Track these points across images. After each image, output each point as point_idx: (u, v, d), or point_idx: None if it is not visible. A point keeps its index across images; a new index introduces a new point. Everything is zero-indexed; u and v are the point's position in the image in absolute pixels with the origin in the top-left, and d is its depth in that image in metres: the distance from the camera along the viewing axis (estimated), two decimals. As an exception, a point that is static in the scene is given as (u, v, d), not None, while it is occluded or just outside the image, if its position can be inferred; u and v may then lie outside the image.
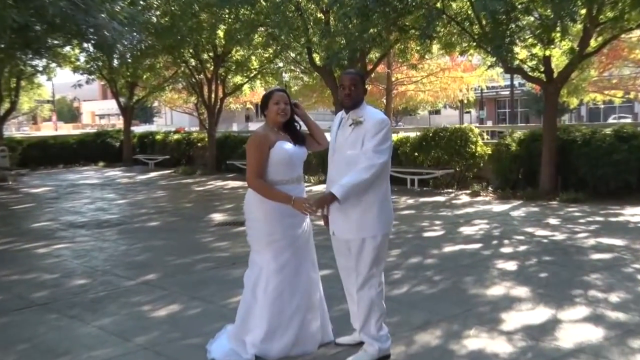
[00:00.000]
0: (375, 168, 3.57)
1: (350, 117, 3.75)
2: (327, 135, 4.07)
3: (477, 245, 7.20)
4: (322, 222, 4.02)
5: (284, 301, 3.79)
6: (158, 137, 22.20)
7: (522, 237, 7.62)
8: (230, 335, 3.98)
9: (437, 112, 57.66)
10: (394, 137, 14.73)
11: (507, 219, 9.02)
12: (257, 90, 22.74)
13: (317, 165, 13.83)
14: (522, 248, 7.02)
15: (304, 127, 4.05)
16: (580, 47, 10.84)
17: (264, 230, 3.82)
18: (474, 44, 11.79)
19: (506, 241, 7.43)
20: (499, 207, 10.18)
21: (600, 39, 11.21)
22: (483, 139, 13.74)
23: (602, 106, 35.01)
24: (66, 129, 48.74)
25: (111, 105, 49.69)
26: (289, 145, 3.82)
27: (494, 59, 11.33)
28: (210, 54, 18.48)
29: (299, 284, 3.84)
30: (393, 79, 23.91)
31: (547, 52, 11.03)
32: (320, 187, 12.39)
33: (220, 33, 16.99)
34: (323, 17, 13.70)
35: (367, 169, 3.56)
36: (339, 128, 3.81)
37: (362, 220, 3.68)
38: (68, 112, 75.10)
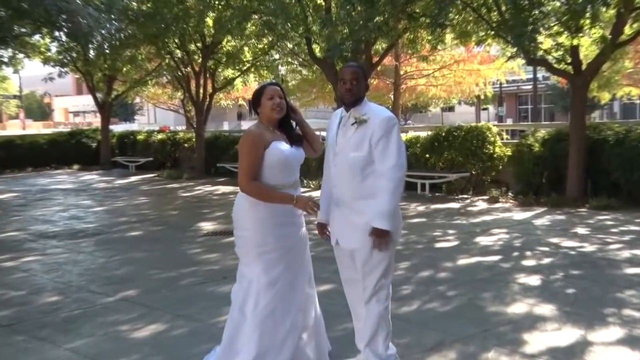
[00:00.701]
0: (402, 179, 3.67)
1: (352, 115, 3.75)
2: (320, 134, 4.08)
3: (496, 258, 7.18)
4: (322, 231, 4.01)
5: (276, 320, 3.77)
6: (140, 137, 22.21)
7: (546, 249, 7.60)
8: (217, 358, 3.95)
9: (451, 109, 57.71)
10: (402, 137, 14.69)
11: (530, 228, 9.01)
12: (251, 85, 22.72)
13: (316, 168, 13.82)
14: (546, 261, 7.00)
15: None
16: (613, 35, 10.80)
17: (254, 240, 3.80)
18: (492, 32, 11.81)
19: (528, 253, 7.41)
20: (520, 215, 10.16)
21: (635, 25, 11.16)
22: (502, 138, 13.73)
23: (638, 101, 35.05)
24: (36, 128, 48.85)
25: (87, 102, 49.88)
26: (285, 146, 3.81)
27: (515, 49, 11.34)
28: (198, 44, 18.52)
29: (293, 300, 3.82)
30: (401, 73, 23.95)
31: (575, 41, 11.01)
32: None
33: (209, 21, 17.02)
34: (324, 4, 13.74)
35: (395, 184, 3.62)
36: (338, 127, 3.81)
37: (369, 228, 3.68)
38: (38, 109, 75.24)
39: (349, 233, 3.75)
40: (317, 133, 4.20)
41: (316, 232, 4.06)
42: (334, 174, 3.81)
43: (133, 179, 18.67)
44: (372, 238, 3.65)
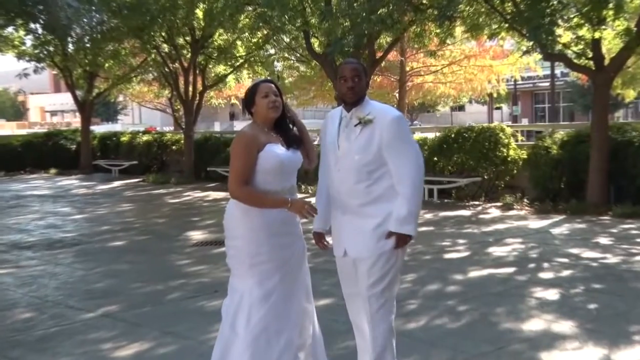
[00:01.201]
0: (422, 181, 3.74)
1: (355, 116, 3.75)
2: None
3: (510, 270, 7.17)
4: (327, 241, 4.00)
5: (270, 337, 3.75)
6: (123, 138, 22.23)
7: (565, 260, 7.59)
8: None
9: (461, 108, 57.79)
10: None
11: (547, 238, 9.00)
12: (244, 82, 22.76)
13: (315, 173, 13.84)
14: (565, 273, 6.99)
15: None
16: (639, 27, 10.82)
17: (247, 250, 3.79)
18: (506, 25, 11.82)
19: (546, 264, 7.40)
20: (536, 223, 10.16)
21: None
22: (517, 140, 13.74)
23: (667, 99, 35.10)
24: (9, 128, 48.77)
25: (65, 100, 49.89)
26: (280, 149, 3.79)
27: (531, 43, 11.34)
28: (187, 38, 18.55)
29: (289, 315, 3.81)
30: (407, 69, 24.00)
31: (597, 34, 11.00)
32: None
33: (199, 13, 17.05)
34: (323, -6, 13.74)
35: (417, 186, 3.68)
36: (339, 129, 3.81)
37: (379, 234, 3.69)
38: (11, 108, 75.24)
39: (356, 241, 3.75)
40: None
41: (314, 241, 4.05)
42: (338, 179, 3.79)
43: (116, 184, 18.66)
44: (386, 243, 3.67)
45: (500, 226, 10.02)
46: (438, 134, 14.10)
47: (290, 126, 3.96)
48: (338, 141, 3.79)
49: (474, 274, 7.04)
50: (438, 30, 13.46)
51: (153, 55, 19.28)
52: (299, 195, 4.03)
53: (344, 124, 3.80)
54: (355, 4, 11.81)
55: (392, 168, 3.69)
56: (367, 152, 3.68)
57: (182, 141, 19.67)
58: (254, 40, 18.10)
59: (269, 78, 4.11)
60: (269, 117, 3.83)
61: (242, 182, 3.74)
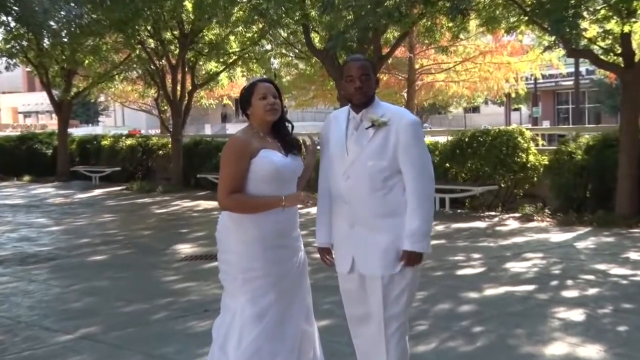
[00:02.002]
0: (433, 194, 3.77)
1: (367, 118, 3.73)
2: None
3: (530, 287, 7.16)
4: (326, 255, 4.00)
5: (262, 361, 3.75)
6: (105, 142, 22.25)
7: (591, 277, 7.58)
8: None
9: (475, 109, 57.78)
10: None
11: (571, 253, 8.99)
12: (238, 81, 22.80)
13: (317, 181, 13.84)
14: (591, 291, 6.98)
15: (300, 131, 4.04)
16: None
17: (240, 265, 3.79)
18: (525, 18, 11.83)
19: (569, 282, 7.39)
20: (559, 236, 10.15)
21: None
22: (537, 144, 13.73)
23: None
24: (-22, 131, 48.81)
25: (40, 100, 49.92)
26: (276, 155, 3.79)
27: (553, 38, 11.35)
28: (175, 32, 18.59)
29: (285, 338, 3.80)
30: (417, 67, 24.05)
31: (627, 28, 10.99)
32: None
33: (188, 5, 17.09)
34: (324, -16, 13.77)
35: (428, 199, 3.71)
36: (347, 132, 3.79)
37: (396, 250, 3.69)
38: (-19, 109, 75.17)
39: (367, 257, 3.73)
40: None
41: (316, 255, 4.05)
42: (346, 187, 3.76)
43: (96, 192, 18.65)
44: (400, 263, 3.67)
45: (518, 239, 10.01)
46: (450, 137, 14.09)
47: (290, 129, 3.96)
48: (347, 145, 3.77)
49: (490, 292, 7.02)
50: (450, 24, 13.49)
51: (137, 51, 19.32)
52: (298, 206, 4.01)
53: (352, 126, 3.78)
54: (359, -5, 11.84)
55: (405, 177, 3.70)
56: (381, 157, 3.67)
57: (170, 145, 19.68)
58: (249, 34, 18.13)
59: (267, 77, 4.11)
60: (266, 120, 3.83)
61: (231, 192, 3.74)
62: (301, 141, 4.03)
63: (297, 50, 18.62)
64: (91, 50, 19.57)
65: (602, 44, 11.60)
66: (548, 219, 11.56)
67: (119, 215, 14.10)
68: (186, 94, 19.37)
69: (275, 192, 3.78)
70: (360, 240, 3.74)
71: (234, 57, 19.45)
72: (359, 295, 3.82)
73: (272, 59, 21.11)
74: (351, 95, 3.76)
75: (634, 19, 10.92)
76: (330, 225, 3.90)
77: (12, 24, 19.92)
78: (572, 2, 10.41)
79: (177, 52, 18.91)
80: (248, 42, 18.55)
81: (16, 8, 18.86)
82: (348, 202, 3.75)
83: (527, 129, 13.95)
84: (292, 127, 4.00)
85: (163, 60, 19.38)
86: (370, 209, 3.71)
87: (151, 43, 19.28)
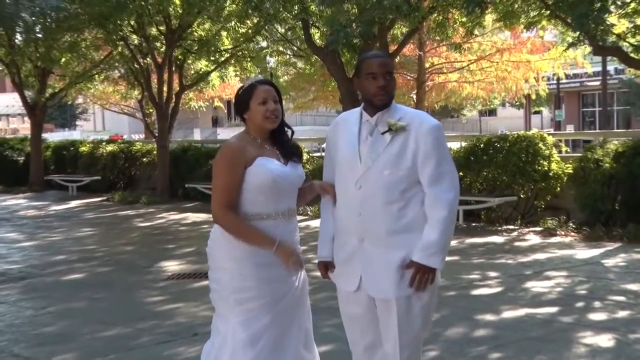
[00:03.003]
0: (457, 206, 3.76)
1: (383, 121, 3.71)
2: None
3: (553, 309, 7.15)
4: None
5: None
6: (83, 148, 22.27)
7: (621, 298, 7.55)
8: None
9: (492, 112, 57.93)
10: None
11: (598, 271, 8.98)
12: (230, 82, 22.87)
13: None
14: (622, 314, 6.96)
15: (300, 134, 4.04)
16: None
17: (232, 284, 3.79)
18: (547, 12, 11.87)
19: (597, 303, 7.37)
20: (585, 253, 10.14)
21: None
22: (560, 151, 13.72)
23: None
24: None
25: (11, 102, 49.80)
26: (274, 164, 3.79)
27: (577, 34, 11.37)
28: (161, 27, 18.63)
29: (281, 365, 3.80)
30: (427, 66, 24.09)
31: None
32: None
33: (176, -2, 17.14)
34: (325, -24, 13.82)
35: (451, 211, 3.68)
36: (359, 137, 3.77)
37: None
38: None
39: (378, 277, 3.70)
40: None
41: (316, 273, 4.03)
42: (358, 198, 3.73)
43: (74, 204, 18.64)
44: (410, 277, 3.64)
45: (540, 256, 10.00)
46: (464, 143, 14.09)
47: (289, 134, 3.96)
48: (359, 152, 3.74)
49: (509, 314, 7.01)
50: (464, 19, 13.52)
51: (120, 49, 19.37)
52: (297, 218, 4.01)
53: (366, 130, 3.76)
54: (364, -13, 11.87)
55: (425, 186, 3.68)
56: (399, 166, 3.66)
57: (155, 152, 19.70)
58: (242, 30, 18.17)
59: (268, 79, 4.09)
60: (265, 128, 3.83)
61: (227, 205, 3.75)
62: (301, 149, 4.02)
63: (295, 48, 18.65)
64: (68, 47, 19.61)
65: (632, 40, 11.62)
66: (573, 234, 11.54)
67: (99, 229, 14.09)
68: (173, 96, 19.38)
69: (272, 204, 3.79)
70: (370, 258, 3.71)
71: (226, 55, 19.50)
72: (365, 319, 3.80)
73: (268, 57, 21.16)
74: (372, 96, 3.72)
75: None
76: (332, 237, 3.89)
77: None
78: (599, -6, 10.45)
79: (163, 49, 18.93)
80: (242, 39, 18.58)
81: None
82: (359, 214, 3.72)
83: (549, 134, 13.93)
84: (292, 132, 3.99)
85: (148, 59, 19.41)
86: (385, 223, 3.67)
87: (135, 39, 19.31)
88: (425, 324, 3.75)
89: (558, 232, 11.68)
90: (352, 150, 3.76)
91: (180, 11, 17.51)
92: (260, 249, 3.74)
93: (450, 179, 3.69)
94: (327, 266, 3.92)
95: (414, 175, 3.66)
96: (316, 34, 15.47)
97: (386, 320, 3.71)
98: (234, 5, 16.38)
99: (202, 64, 20.25)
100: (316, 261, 3.98)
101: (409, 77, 25.54)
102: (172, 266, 9.88)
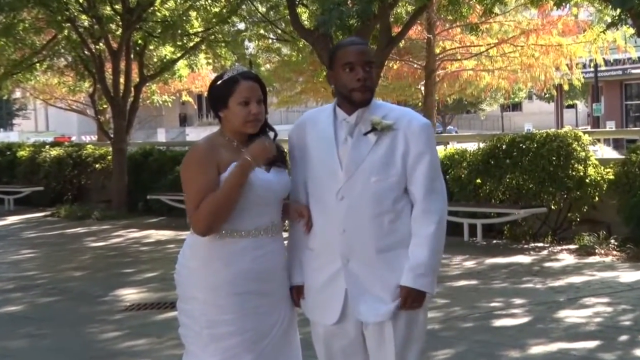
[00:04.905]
0: (445, 216, 3.81)
1: (366, 120, 3.76)
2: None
3: (592, 344, 7.16)
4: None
5: None
6: (22, 152, 22.21)
7: (671, 328, 7.58)
8: None
9: (516, 106, 58.08)
10: (439, 152, 14.64)
11: (646, 296, 9.00)
12: (201, 71, 22.85)
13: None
14: (673, 348, 6.98)
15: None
16: None
17: (207, 316, 3.80)
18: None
19: (644, 335, 7.40)
20: (629, 275, 10.15)
21: None
22: (599, 153, 13.73)
23: None
24: None
25: None
26: (254, 170, 3.79)
27: (617, 11, 11.41)
28: (117, 6, 18.58)
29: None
30: (437, 51, 24.14)
31: None
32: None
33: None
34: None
35: (439, 222, 3.74)
36: (337, 139, 3.81)
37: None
38: None
39: (368, 299, 3.75)
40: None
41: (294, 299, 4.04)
42: (341, 211, 3.77)
43: (10, 220, 18.60)
44: (398, 302, 3.70)
45: (575, 279, 10.01)
46: (482, 144, 14.11)
47: (272, 136, 3.95)
48: (339, 156, 3.78)
49: (538, 349, 7.02)
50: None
51: (66, 32, 19.30)
52: (284, 235, 4.02)
53: (344, 131, 3.81)
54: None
55: (413, 195, 3.74)
56: (388, 171, 3.71)
57: (110, 157, 19.66)
58: (215, 10, 18.18)
59: (252, 72, 4.06)
60: (244, 132, 3.83)
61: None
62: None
63: (279, 31, 18.67)
64: (2, 31, 19.54)
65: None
66: (614, 252, 11.55)
67: (41, 250, 14.03)
68: (132, 89, 19.35)
69: (252, 218, 3.80)
70: (358, 280, 3.76)
71: (196, 40, 19.48)
72: (350, 348, 3.85)
73: (246, 42, 21.16)
74: (350, 91, 3.76)
75: None
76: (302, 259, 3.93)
77: None
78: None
79: (119, 32, 18.91)
80: (214, 20, 18.59)
81: None
82: (343, 231, 3.76)
83: (584, 132, 13.96)
84: (275, 134, 3.99)
85: (101, 44, 19.37)
86: (374, 239, 3.73)
87: (85, 21, 19.25)
88: (423, 342, 3.86)
89: (597, 251, 11.69)
90: (329, 156, 3.80)
91: (139, -14, 17.52)
92: (243, 274, 3.75)
93: (441, 185, 3.78)
94: (300, 290, 3.96)
95: (404, 180, 3.74)
96: (304, 14, 15.51)
97: (379, 347, 3.77)
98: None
99: (166, 50, 20.24)
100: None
101: (415, 65, 25.60)
102: (131, 295, 9.86)
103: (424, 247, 3.68)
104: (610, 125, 39.63)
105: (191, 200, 3.77)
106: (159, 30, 19.08)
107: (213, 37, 19.33)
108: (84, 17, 19.08)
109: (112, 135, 19.53)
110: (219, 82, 3.89)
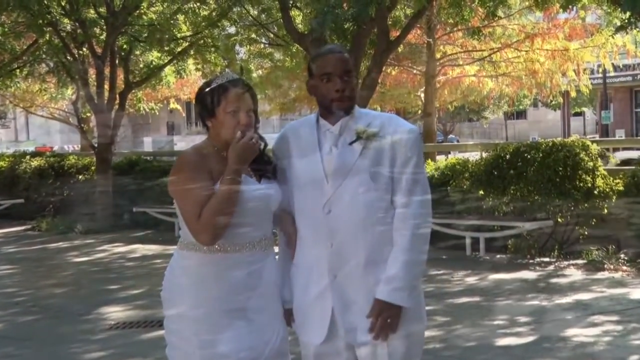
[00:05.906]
0: (430, 224, 3.82)
1: (349, 129, 3.81)
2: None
3: (601, 363, 7.15)
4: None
5: None
6: (1, 163, 22.18)
7: (684, 347, 7.58)
8: None
9: (520, 114, 58.14)
10: (441, 162, 14.66)
11: (658, 314, 9.00)
12: (190, 77, 22.85)
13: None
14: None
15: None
16: None
17: (198, 337, 3.79)
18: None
19: (656, 356, 7.40)
20: (640, 291, 10.18)
21: None
22: (608, 162, 13.74)
23: None
24: None
25: None
26: (245, 181, 3.78)
27: (627, 14, 11.43)
28: (101, 9, 18.59)
29: None
30: (438, 56, 24.17)
31: None
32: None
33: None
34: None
35: (422, 231, 3.73)
36: (321, 150, 3.84)
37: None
38: None
39: (359, 317, 3.75)
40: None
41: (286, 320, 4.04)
42: (328, 225, 3.79)
43: (-10, 234, 18.57)
44: (374, 319, 3.71)
45: (583, 296, 10.01)
46: (485, 153, 14.12)
47: (262, 146, 3.95)
48: (324, 168, 3.81)
49: (545, 370, 7.02)
50: (484, -2, 13.60)
51: (48, 36, 19.30)
52: (275, 250, 4.02)
53: (329, 142, 3.84)
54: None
55: (396, 200, 3.76)
56: (377, 180, 3.74)
57: (94, 167, 19.64)
58: (204, 13, 18.19)
59: (242, 79, 4.05)
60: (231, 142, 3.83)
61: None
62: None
63: (271, 35, 18.71)
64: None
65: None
66: (625, 268, 11.57)
67: (21, 266, 14.01)
68: (117, 96, 19.35)
69: (245, 231, 3.79)
70: (347, 297, 3.77)
71: (184, 45, 19.49)
72: None
73: (237, 47, 21.18)
74: (329, 101, 3.81)
75: None
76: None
77: None
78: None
79: (103, 37, 18.92)
80: (203, 24, 18.61)
81: None
82: (330, 245, 3.78)
83: (593, 141, 13.97)
84: (265, 144, 3.99)
85: (84, 49, 19.37)
86: (364, 253, 3.75)
87: (67, 24, 19.26)
88: (419, 356, 3.87)
89: (606, 266, 11.70)
90: (314, 167, 3.82)
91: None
92: (233, 289, 3.76)
93: (427, 195, 3.79)
94: (291, 313, 3.99)
95: (392, 190, 3.77)
96: (298, 17, 15.54)
97: None
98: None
99: (153, 56, 20.25)
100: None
101: (415, 71, 25.64)
102: (115, 312, 9.85)
103: (399, 259, 3.70)
104: (620, 134, 39.70)
105: (190, 211, 3.76)
106: (145, 35, 19.10)
107: (202, 41, 19.34)
108: (66, 20, 19.07)
109: (95, 145, 19.52)
110: (206, 90, 3.88)
